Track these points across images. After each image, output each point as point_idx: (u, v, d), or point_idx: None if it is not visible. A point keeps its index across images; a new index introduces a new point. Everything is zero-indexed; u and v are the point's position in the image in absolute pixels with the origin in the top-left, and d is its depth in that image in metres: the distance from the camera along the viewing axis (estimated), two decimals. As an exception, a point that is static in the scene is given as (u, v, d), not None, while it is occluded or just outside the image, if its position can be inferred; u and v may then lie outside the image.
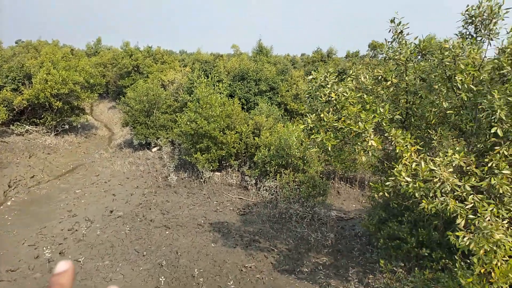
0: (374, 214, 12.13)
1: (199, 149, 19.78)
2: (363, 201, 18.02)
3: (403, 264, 10.86)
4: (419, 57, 8.46)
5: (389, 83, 7.71)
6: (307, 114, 7.86)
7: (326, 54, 42.68)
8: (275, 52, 45.00)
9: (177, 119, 22.04)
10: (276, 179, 17.85)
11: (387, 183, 7.11)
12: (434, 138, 7.44)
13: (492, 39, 7.04)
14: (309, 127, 7.78)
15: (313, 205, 16.04)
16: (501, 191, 6.34)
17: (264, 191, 18.08)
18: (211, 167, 19.88)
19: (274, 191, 18.05)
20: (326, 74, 7.68)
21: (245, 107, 26.32)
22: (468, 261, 7.20)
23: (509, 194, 6.50)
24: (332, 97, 7.62)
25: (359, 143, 7.39)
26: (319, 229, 14.66)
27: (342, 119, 7.53)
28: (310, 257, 12.63)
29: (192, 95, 24.51)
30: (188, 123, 19.96)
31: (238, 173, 20.60)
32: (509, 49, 6.58)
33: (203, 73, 27.27)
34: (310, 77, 7.64)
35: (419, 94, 7.72)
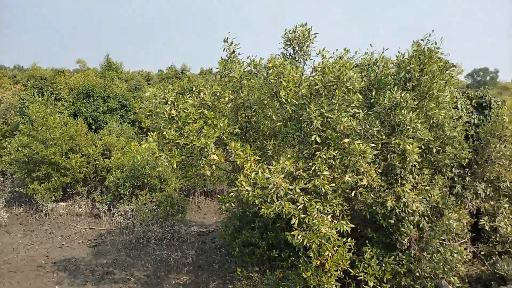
0: (230, 224, 12.54)
1: (36, 178, 17.11)
2: (222, 213, 18.52)
3: (258, 269, 11.50)
4: (265, 74, 9.20)
5: (227, 99, 8.13)
6: (149, 133, 7.64)
7: (180, 70, 42.86)
8: (127, 68, 42.93)
9: (5, 145, 18.67)
10: (132, 202, 16.79)
11: (231, 194, 7.42)
12: (269, 148, 8.16)
13: (306, 60, 8.21)
14: (151, 146, 7.55)
15: (172, 224, 15.62)
16: (323, 190, 7.32)
17: (119, 216, 16.79)
18: (54, 197, 17.42)
19: (130, 215, 16.92)
20: (165, 91, 7.62)
21: (93, 127, 24.13)
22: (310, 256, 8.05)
23: (331, 192, 7.55)
24: (173, 114, 7.58)
25: (203, 158, 7.52)
26: (180, 247, 14.36)
27: (185, 135, 7.56)
28: (170, 279, 12.20)
29: (25, 116, 21.18)
30: (20, 149, 17.09)
31: (88, 200, 18.60)
32: (320, 68, 7.74)
33: (37, 91, 23.92)
34: (147, 94, 7.46)
35: (254, 109, 8.39)
